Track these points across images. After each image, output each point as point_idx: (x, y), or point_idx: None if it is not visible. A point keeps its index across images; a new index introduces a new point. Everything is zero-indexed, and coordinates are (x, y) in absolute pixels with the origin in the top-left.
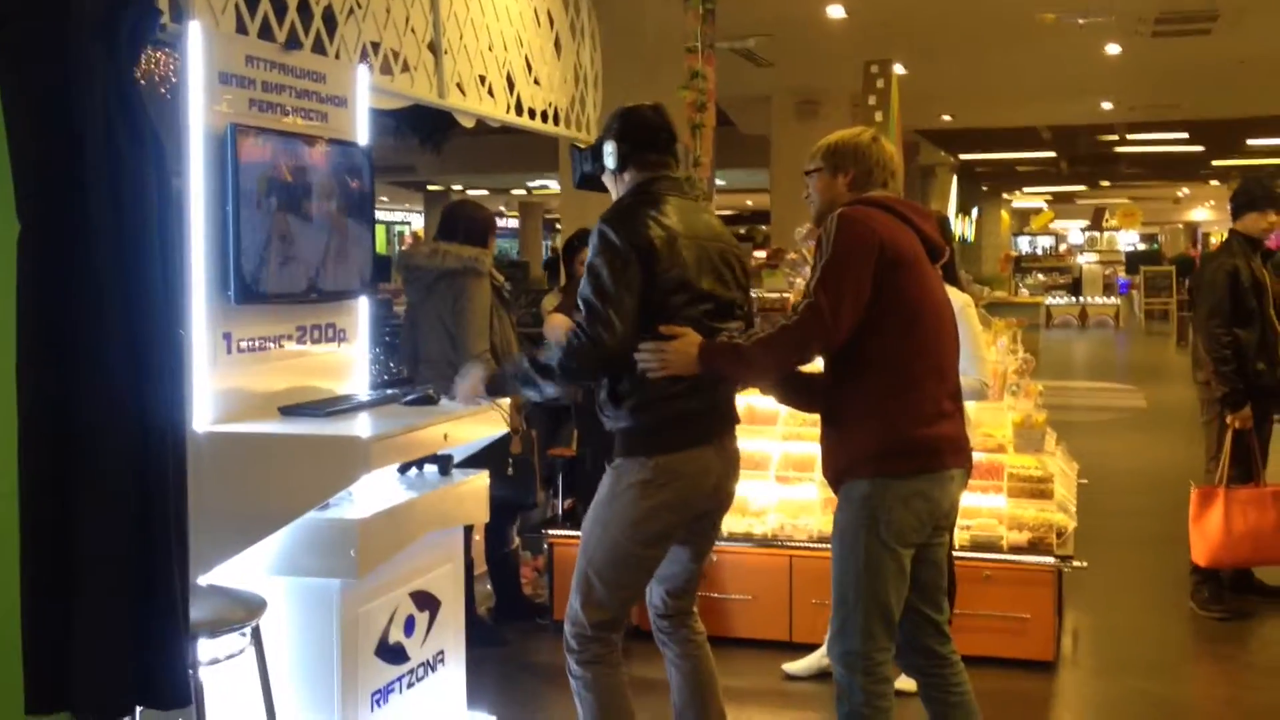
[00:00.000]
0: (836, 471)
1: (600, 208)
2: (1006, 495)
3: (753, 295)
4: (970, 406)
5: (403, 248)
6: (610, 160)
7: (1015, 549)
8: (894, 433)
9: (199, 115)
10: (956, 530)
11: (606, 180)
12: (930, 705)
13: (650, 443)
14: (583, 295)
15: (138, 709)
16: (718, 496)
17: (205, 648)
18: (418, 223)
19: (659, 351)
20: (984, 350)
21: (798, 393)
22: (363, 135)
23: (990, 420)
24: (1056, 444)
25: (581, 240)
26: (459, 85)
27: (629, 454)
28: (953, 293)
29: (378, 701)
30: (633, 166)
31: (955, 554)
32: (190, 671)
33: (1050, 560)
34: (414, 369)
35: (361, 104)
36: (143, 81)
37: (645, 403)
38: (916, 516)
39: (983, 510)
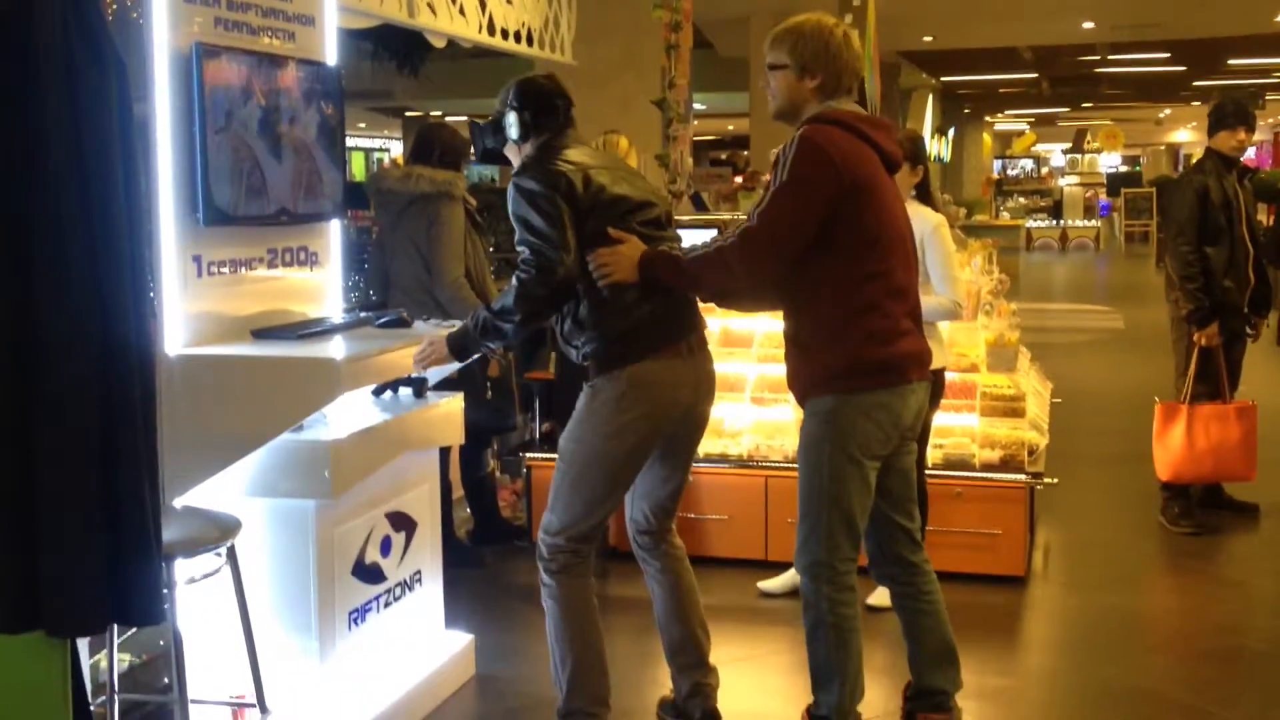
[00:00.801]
0: (802, 389)
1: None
2: (979, 414)
3: (728, 216)
4: (943, 326)
5: (374, 171)
6: (513, 131)
7: (987, 466)
8: (855, 354)
9: (164, 35)
10: (929, 448)
11: (509, 153)
12: (903, 613)
13: (620, 355)
14: (519, 242)
15: (114, 627)
16: (693, 413)
17: (181, 568)
18: (396, 149)
19: (603, 256)
20: (957, 270)
21: (764, 300)
22: (331, 55)
23: (963, 340)
24: (1030, 364)
25: None
26: (429, 4)
27: (601, 371)
28: (925, 213)
29: (355, 620)
30: (534, 135)
31: (928, 472)
32: (165, 590)
33: (1022, 477)
34: (385, 294)
35: (330, 23)
36: (113, 6)
37: (606, 317)
38: (879, 428)
39: (955, 429)
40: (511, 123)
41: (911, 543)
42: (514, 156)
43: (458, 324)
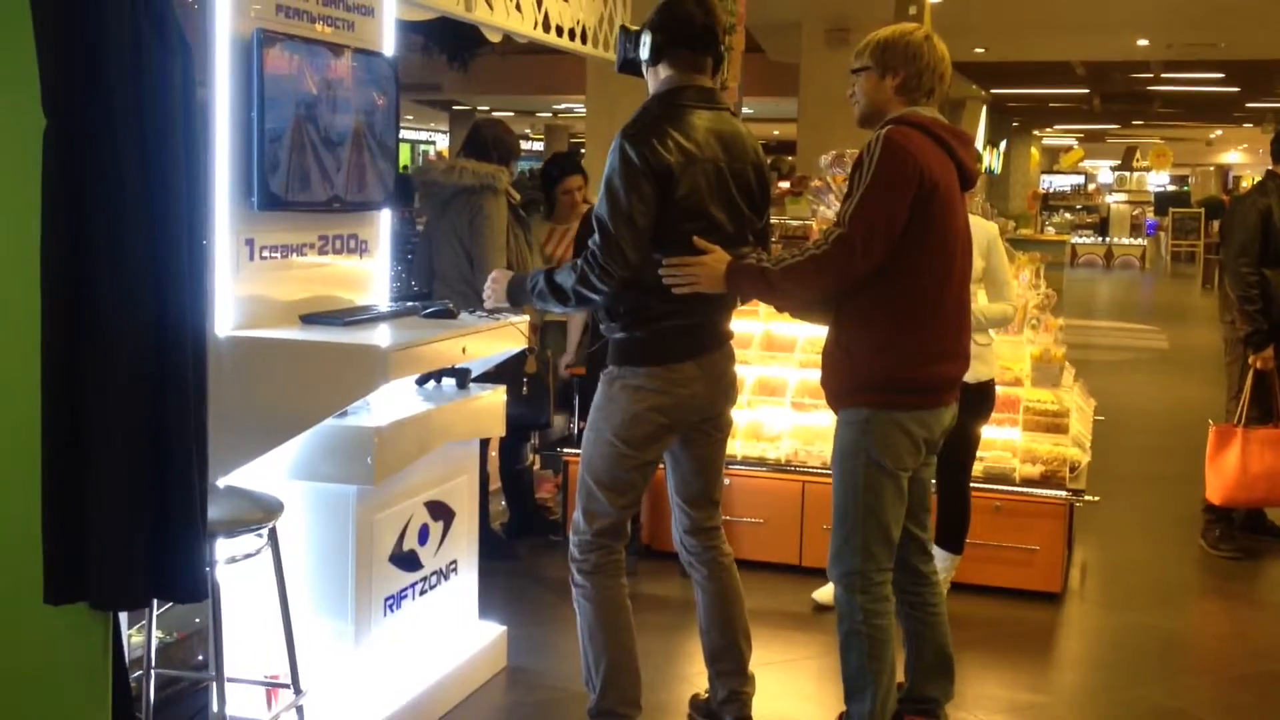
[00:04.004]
0: (836, 393)
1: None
2: (1021, 428)
3: (775, 221)
4: (994, 335)
5: (420, 163)
6: (644, 51)
7: (1028, 481)
8: (900, 369)
9: (226, 20)
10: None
11: (646, 71)
12: (905, 621)
13: (642, 355)
14: (598, 216)
15: (154, 602)
16: (710, 408)
17: (223, 547)
18: (442, 142)
19: (688, 267)
20: (1012, 278)
21: (818, 311)
22: (389, 46)
23: (1009, 354)
24: (1074, 380)
25: (562, 169)
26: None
27: (621, 363)
28: (982, 221)
29: (391, 606)
30: (665, 62)
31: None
32: (207, 568)
33: (1062, 494)
34: (429, 286)
35: (389, 14)
36: None
37: (640, 320)
38: (912, 442)
39: (997, 442)
40: (645, 43)
41: (922, 552)
42: (648, 79)
43: (501, 317)
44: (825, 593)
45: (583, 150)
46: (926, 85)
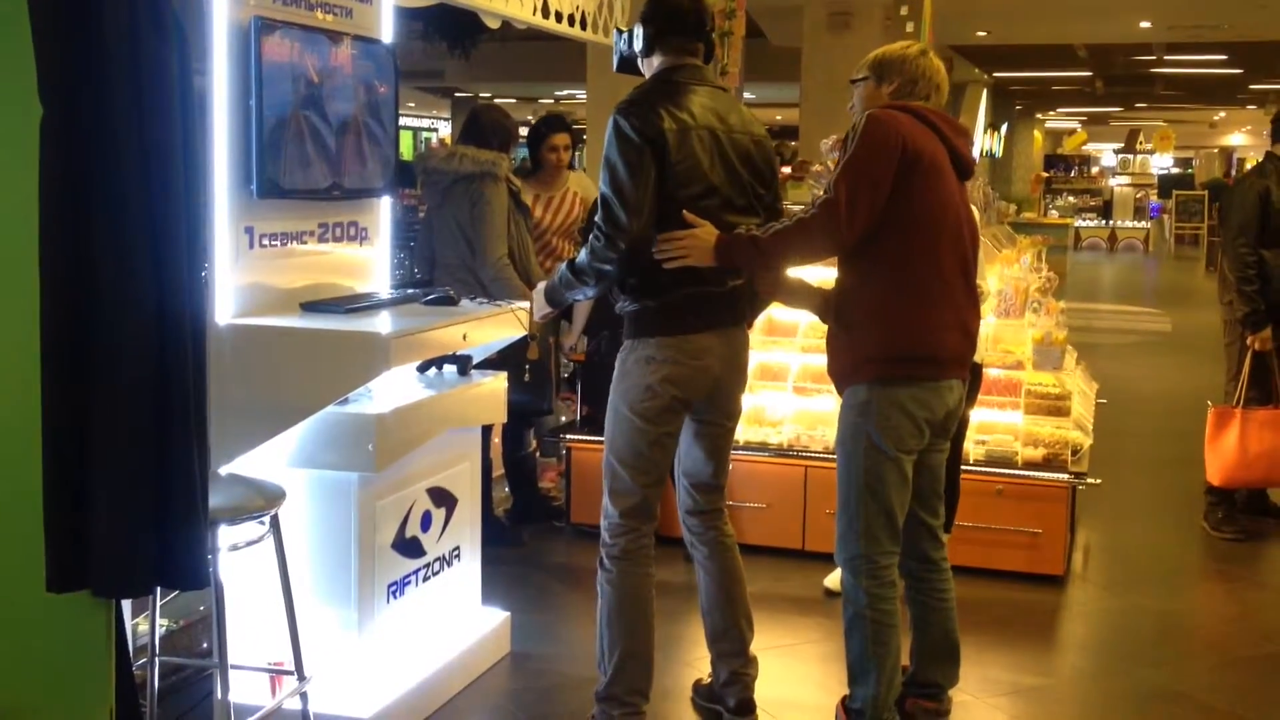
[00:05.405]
0: (840, 371)
1: None
2: (1023, 411)
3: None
4: (990, 322)
5: (421, 150)
6: (637, 43)
7: (1029, 465)
8: (897, 337)
9: (223, 7)
10: (972, 444)
11: (643, 66)
12: (914, 607)
13: (653, 325)
14: (601, 191)
15: (157, 589)
16: (722, 386)
17: (225, 534)
18: (445, 129)
19: (677, 241)
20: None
21: (820, 303)
22: (388, 33)
23: (1010, 337)
24: (1076, 363)
25: (549, 126)
26: None
27: (635, 335)
28: None
29: (394, 593)
30: (658, 50)
31: (969, 468)
32: (209, 556)
33: (1064, 477)
34: (430, 273)
35: (387, 0)
36: None
37: (650, 290)
38: (914, 423)
39: (998, 426)
40: (637, 34)
41: (934, 539)
42: (644, 71)
43: (502, 304)
44: (834, 578)
45: (584, 137)
46: (921, 92)
